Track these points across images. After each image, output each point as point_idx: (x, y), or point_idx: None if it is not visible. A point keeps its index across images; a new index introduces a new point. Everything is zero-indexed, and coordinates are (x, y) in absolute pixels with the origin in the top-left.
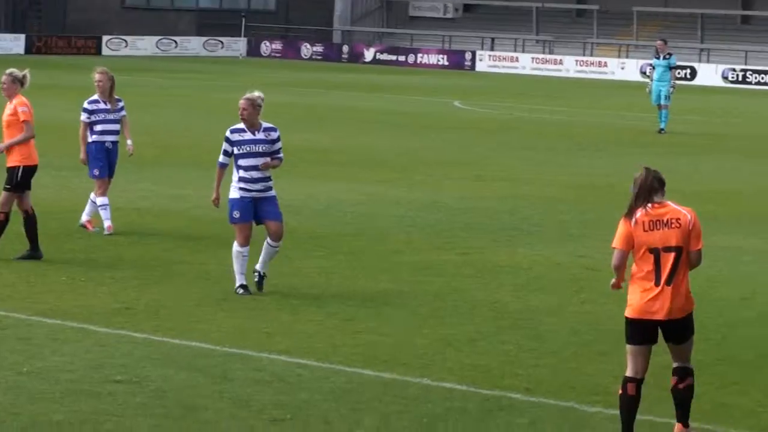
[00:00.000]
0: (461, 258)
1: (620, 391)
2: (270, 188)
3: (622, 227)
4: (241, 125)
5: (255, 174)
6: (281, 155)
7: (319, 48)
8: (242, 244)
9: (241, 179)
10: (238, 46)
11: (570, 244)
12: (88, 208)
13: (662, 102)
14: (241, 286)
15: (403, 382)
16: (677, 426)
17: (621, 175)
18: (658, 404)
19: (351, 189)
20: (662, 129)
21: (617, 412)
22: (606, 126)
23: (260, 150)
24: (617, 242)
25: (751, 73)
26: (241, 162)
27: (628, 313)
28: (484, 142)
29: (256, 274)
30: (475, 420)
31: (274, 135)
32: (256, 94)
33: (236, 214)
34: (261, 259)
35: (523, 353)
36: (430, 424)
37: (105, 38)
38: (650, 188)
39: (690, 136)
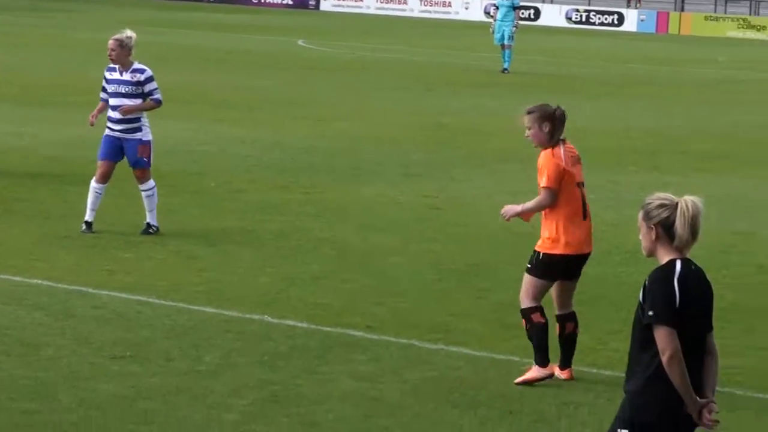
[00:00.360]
0: (305, 197)
1: (535, 321)
2: (133, 131)
3: (554, 166)
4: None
5: (117, 114)
6: (156, 96)
7: None
8: (97, 181)
9: (108, 118)
10: None
11: (413, 184)
12: None
13: (506, 42)
14: (86, 222)
15: (245, 320)
16: (566, 372)
17: (464, 115)
18: (501, 343)
19: (196, 128)
20: (506, 69)
21: (457, 349)
22: (450, 66)
23: (123, 91)
24: (553, 182)
25: (594, 13)
26: (110, 101)
27: (564, 249)
28: (327, 82)
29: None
30: (316, 357)
31: (141, 76)
32: (126, 33)
33: (99, 151)
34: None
35: (366, 292)
36: (271, 361)
37: None
38: (564, 123)
39: (533, 76)
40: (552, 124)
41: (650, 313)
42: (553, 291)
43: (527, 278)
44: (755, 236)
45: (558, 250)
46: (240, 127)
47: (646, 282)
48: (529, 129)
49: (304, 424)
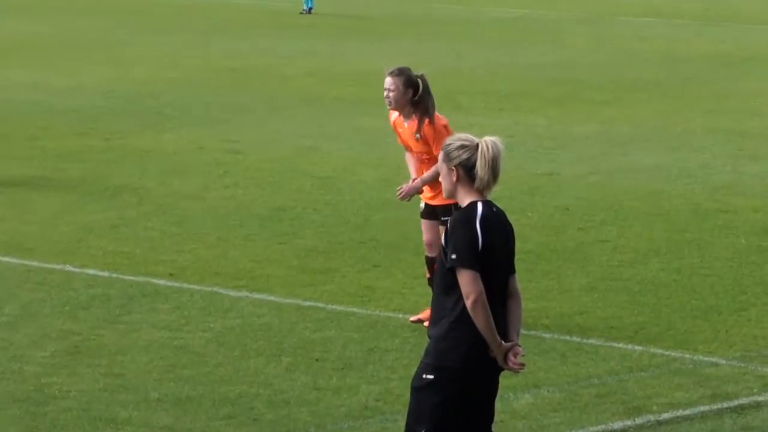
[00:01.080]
0: (104, 143)
1: None
2: None
3: (448, 134)
4: None
5: None
6: None
7: None
8: None
9: None
10: None
11: (214, 128)
12: None
13: None
14: None
15: (44, 270)
16: None
17: (262, 58)
18: (305, 288)
19: None
20: (307, 10)
21: (261, 296)
22: (246, 7)
23: None
24: None
25: None
26: None
27: None
28: (123, 25)
29: None
30: (118, 306)
31: None
32: None
33: None
34: None
35: (167, 239)
36: (72, 311)
37: None
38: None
39: (333, 17)
40: (414, 91)
41: (453, 256)
42: (432, 235)
43: None
44: (559, 177)
45: None
46: (33, 73)
47: (448, 225)
48: (391, 91)
49: (107, 375)
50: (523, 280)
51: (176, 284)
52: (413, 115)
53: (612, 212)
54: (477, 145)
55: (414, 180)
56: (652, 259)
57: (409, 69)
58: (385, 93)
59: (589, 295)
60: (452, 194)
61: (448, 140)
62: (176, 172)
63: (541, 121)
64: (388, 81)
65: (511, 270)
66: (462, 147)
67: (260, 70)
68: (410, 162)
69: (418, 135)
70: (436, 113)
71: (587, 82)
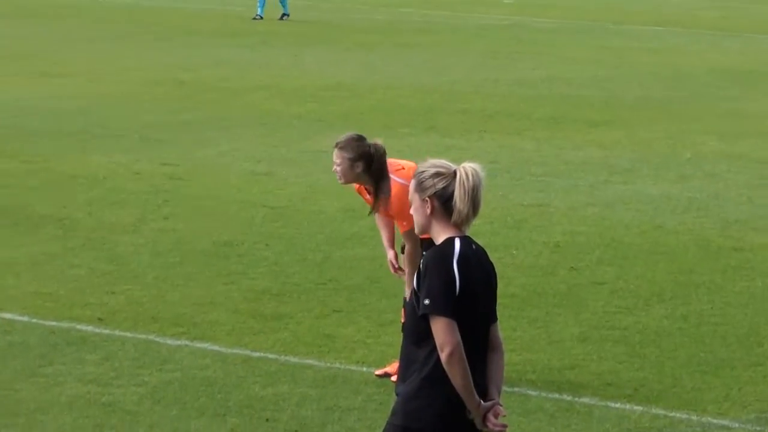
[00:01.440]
0: (24, 167)
1: None
2: None
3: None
4: None
5: None
6: None
7: None
8: None
9: None
10: None
11: (151, 150)
12: None
13: None
14: None
15: None
16: None
17: (210, 69)
18: (255, 337)
19: None
20: (259, 16)
21: (204, 345)
22: (192, 12)
23: None
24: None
25: None
26: None
27: None
28: (47, 32)
29: None
30: (39, 356)
31: None
32: None
33: None
34: None
35: (97, 278)
36: None
37: None
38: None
39: (295, 24)
40: (367, 163)
41: (426, 302)
42: None
43: None
44: (549, 208)
45: None
46: None
47: (421, 265)
48: (338, 165)
49: None
50: (506, 328)
51: (106, 331)
52: (369, 187)
53: (610, 250)
54: (454, 172)
55: (396, 267)
56: (655, 305)
57: (359, 138)
58: (333, 167)
59: (582, 347)
60: (426, 229)
61: (421, 167)
62: (108, 200)
63: (529, 144)
64: (335, 153)
65: (493, 317)
66: (437, 175)
67: (207, 83)
68: (381, 225)
69: (379, 207)
70: (406, 187)
71: (584, 100)
